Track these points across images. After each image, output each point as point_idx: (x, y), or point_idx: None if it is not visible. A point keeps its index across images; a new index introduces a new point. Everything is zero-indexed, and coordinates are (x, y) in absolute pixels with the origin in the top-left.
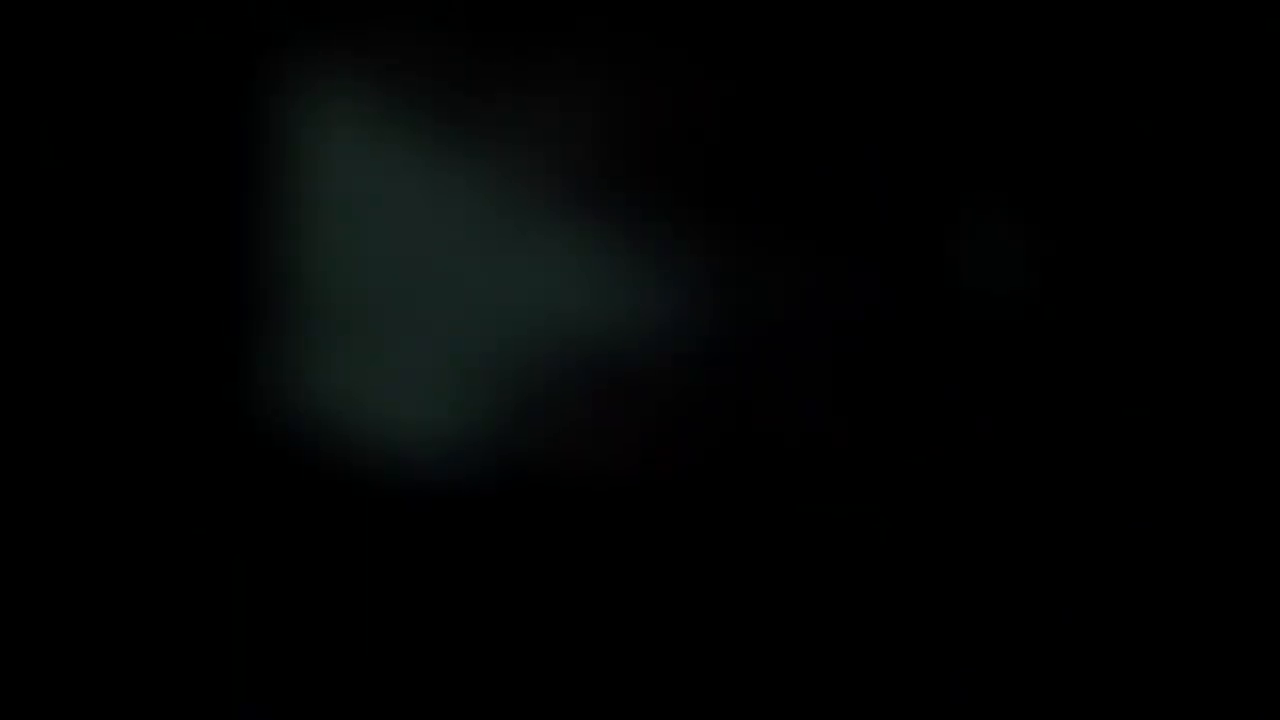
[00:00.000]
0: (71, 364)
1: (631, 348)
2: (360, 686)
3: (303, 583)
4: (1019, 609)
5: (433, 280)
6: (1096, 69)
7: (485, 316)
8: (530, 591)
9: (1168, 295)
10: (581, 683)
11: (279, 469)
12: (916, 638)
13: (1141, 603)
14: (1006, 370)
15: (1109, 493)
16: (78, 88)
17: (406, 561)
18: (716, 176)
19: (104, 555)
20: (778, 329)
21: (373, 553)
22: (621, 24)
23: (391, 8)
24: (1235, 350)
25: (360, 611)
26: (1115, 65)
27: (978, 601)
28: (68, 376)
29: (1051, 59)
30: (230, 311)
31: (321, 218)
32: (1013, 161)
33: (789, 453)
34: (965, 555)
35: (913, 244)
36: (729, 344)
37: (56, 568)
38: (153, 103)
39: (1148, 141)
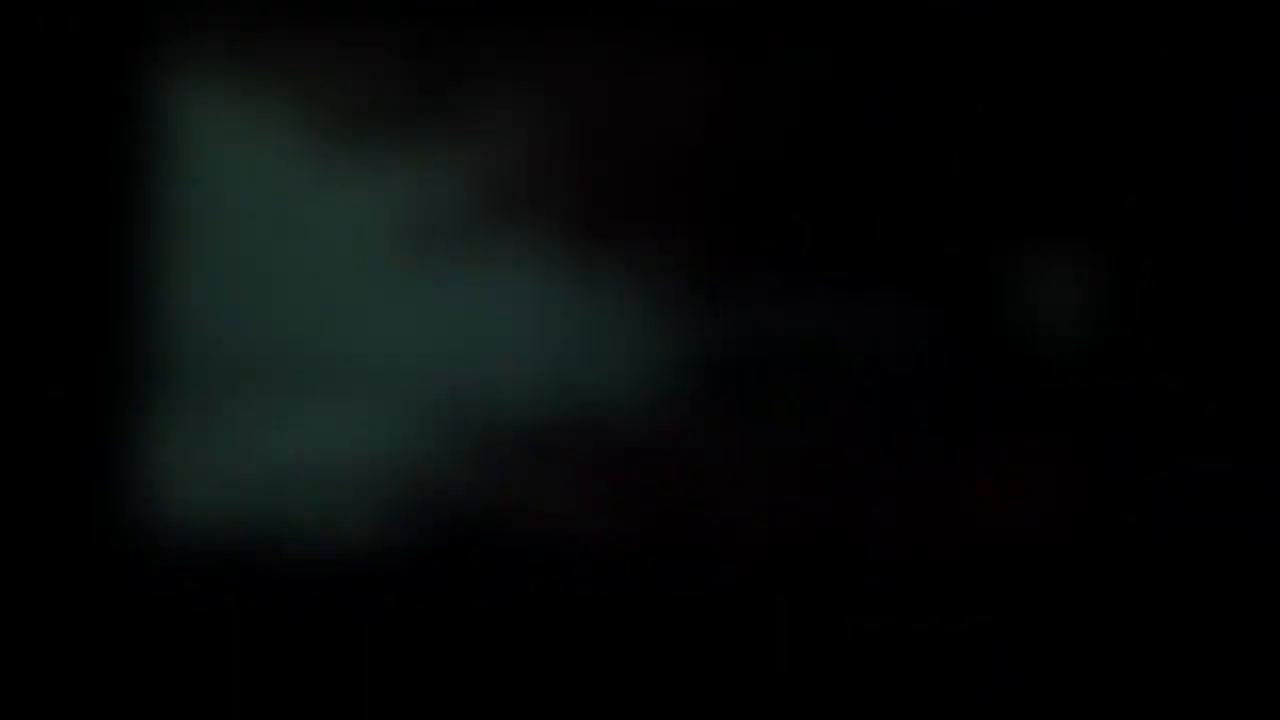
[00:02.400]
0: None
1: (594, 403)
2: None
3: (240, 660)
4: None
5: (370, 328)
6: (1154, 122)
7: (425, 366)
8: (470, 655)
9: (1220, 342)
10: None
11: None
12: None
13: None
14: (1061, 415)
15: (1161, 539)
16: None
17: (342, 628)
18: (717, 206)
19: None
20: (790, 372)
21: (311, 621)
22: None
23: (327, 24)
24: None
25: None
26: (1171, 121)
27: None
28: None
29: (1109, 110)
30: (129, 374)
31: (243, 256)
32: (1069, 212)
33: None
34: (1001, 604)
35: (967, 293)
36: (714, 397)
37: None
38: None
39: (1199, 192)
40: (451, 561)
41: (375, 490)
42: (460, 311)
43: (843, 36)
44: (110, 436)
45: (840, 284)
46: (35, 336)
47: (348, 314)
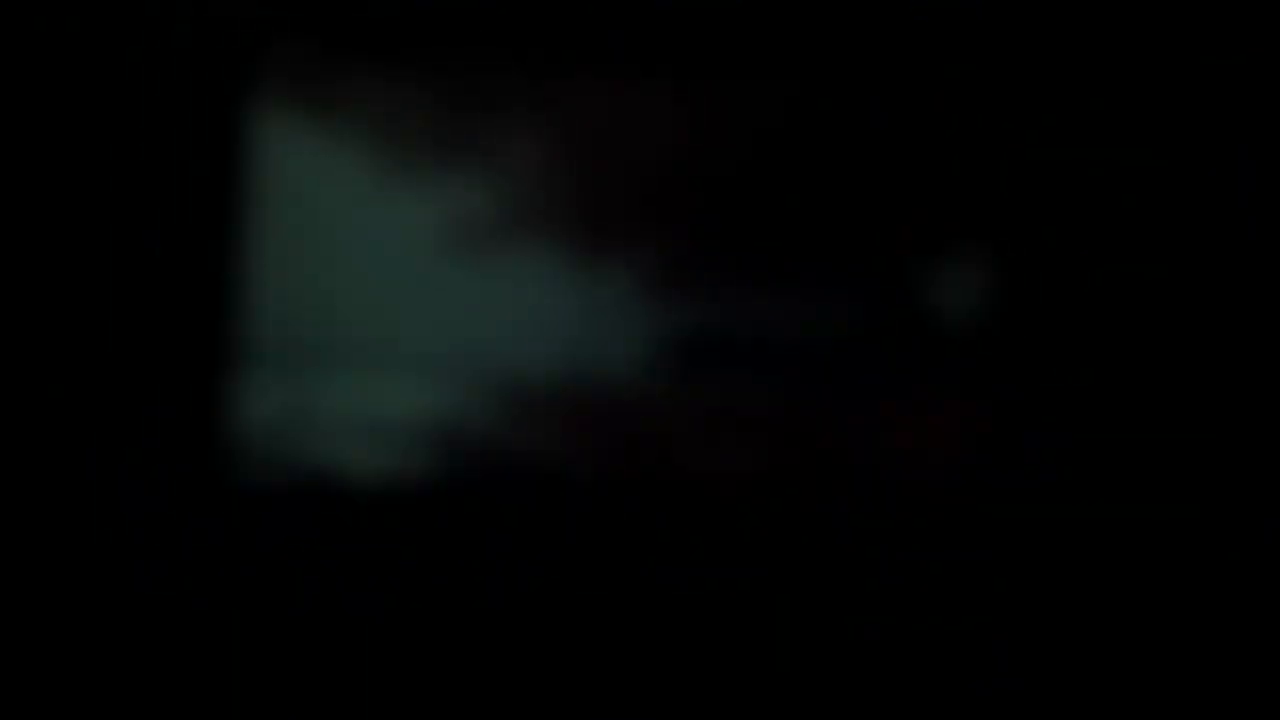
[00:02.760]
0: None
1: (598, 363)
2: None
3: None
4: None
5: (418, 311)
6: (1056, 110)
7: (463, 341)
8: (498, 589)
9: (1125, 316)
10: (546, 680)
11: (255, 486)
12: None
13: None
14: (966, 388)
15: (1072, 500)
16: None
17: (384, 564)
18: (693, 213)
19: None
20: (746, 347)
21: (352, 559)
22: (603, 57)
23: (373, 51)
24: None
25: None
26: (1073, 108)
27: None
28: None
29: (1014, 99)
30: (233, 346)
31: (300, 239)
32: (976, 194)
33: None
34: (928, 567)
35: (878, 270)
36: (695, 361)
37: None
38: (136, 144)
39: (1103, 173)
40: (481, 494)
41: (422, 438)
42: (489, 299)
43: (795, 71)
44: (219, 396)
45: (790, 278)
46: (161, 319)
47: (401, 300)
